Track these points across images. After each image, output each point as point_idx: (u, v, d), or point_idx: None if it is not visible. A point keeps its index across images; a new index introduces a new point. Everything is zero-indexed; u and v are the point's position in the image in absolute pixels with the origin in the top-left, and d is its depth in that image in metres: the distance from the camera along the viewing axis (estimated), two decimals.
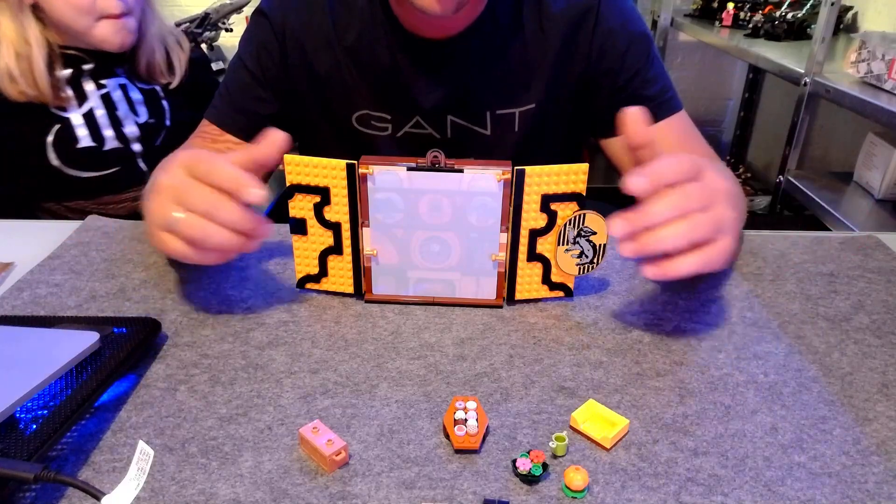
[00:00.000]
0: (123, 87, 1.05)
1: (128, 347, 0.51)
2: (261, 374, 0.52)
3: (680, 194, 0.50)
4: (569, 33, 0.79)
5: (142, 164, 1.07)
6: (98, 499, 0.38)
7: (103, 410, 0.48)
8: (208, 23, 2.18)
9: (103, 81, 1.03)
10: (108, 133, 1.03)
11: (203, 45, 2.22)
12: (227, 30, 2.27)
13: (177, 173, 0.53)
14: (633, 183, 0.49)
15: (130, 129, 1.05)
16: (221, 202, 0.51)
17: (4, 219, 0.81)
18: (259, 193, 0.51)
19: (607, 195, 0.91)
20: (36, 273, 0.66)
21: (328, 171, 0.57)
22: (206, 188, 0.52)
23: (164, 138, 1.09)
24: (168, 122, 1.10)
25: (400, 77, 0.79)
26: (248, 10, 2.20)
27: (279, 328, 0.58)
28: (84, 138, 1.01)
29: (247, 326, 0.58)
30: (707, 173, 0.52)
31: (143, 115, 1.07)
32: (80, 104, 1.01)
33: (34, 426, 0.43)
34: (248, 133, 0.83)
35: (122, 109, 1.04)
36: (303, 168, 0.57)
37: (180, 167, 0.53)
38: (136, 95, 1.07)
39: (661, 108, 0.82)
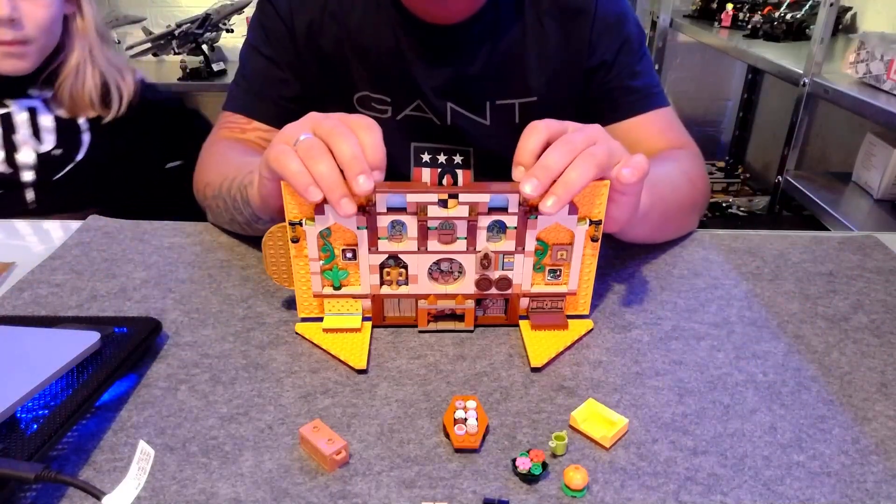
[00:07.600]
0: (32, 111, 0.99)
1: (128, 347, 0.51)
2: (261, 374, 0.53)
3: (565, 141, 0.51)
4: (567, 25, 0.80)
5: (29, 195, 0.99)
6: (99, 498, 0.38)
7: (104, 410, 0.49)
8: (209, 23, 2.18)
9: (7, 101, 0.97)
10: None
11: (204, 46, 2.22)
12: (227, 30, 2.27)
13: (303, 124, 0.53)
14: (525, 188, 0.50)
15: (25, 156, 0.98)
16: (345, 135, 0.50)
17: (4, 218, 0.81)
18: (368, 187, 0.50)
19: None
20: (37, 273, 0.66)
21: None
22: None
23: (69, 172, 1.01)
24: (80, 156, 1.02)
25: (401, 59, 0.79)
26: (249, 11, 2.20)
27: (279, 328, 0.58)
28: None
29: (247, 326, 0.58)
30: (571, 125, 0.53)
31: (49, 144, 1.00)
32: None
33: (35, 426, 0.43)
34: (277, 119, 0.81)
35: (22, 134, 0.98)
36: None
37: (308, 121, 0.53)
38: (46, 122, 0.99)
39: (646, 100, 0.82)
